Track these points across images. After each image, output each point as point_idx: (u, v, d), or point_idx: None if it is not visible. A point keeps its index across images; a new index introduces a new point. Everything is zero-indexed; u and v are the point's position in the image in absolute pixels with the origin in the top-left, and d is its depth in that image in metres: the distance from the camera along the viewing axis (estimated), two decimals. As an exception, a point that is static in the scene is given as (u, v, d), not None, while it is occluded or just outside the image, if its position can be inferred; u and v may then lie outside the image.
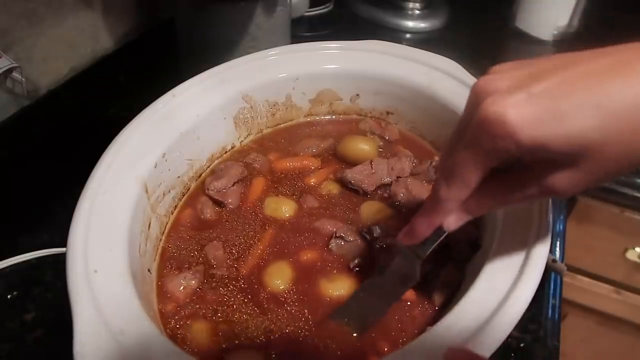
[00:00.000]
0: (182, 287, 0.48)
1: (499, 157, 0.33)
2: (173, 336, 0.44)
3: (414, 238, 0.42)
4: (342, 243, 0.51)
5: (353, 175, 0.56)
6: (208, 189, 0.56)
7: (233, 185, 0.56)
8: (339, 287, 0.48)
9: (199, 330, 0.45)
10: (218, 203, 0.56)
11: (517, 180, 0.36)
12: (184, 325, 0.45)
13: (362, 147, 0.60)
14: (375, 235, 0.50)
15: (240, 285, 0.48)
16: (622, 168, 0.32)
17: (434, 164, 0.58)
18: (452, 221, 0.39)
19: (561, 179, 0.33)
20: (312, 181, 0.58)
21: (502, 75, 0.33)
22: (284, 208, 0.55)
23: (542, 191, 0.34)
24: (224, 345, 0.44)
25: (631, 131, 0.30)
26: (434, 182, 0.40)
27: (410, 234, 0.42)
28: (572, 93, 0.31)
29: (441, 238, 0.43)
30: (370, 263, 0.50)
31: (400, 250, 0.46)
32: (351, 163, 0.59)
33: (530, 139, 0.30)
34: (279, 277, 0.49)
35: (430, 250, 0.44)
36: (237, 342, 0.44)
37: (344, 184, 0.57)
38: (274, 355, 0.43)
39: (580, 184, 0.33)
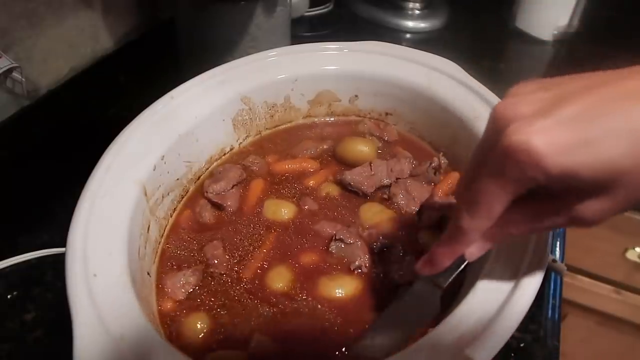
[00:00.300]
0: (180, 285, 0.48)
1: (526, 187, 0.32)
2: (170, 333, 0.45)
3: (434, 268, 0.41)
4: (342, 245, 0.51)
5: (352, 177, 0.56)
6: (207, 192, 0.56)
7: (232, 187, 0.56)
8: (339, 288, 0.48)
9: (196, 327, 0.45)
10: (217, 206, 0.56)
11: (544, 209, 0.34)
12: (181, 321, 0.45)
13: (361, 148, 0.60)
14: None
15: (240, 286, 0.49)
16: None
17: (433, 164, 0.58)
18: (474, 251, 0.38)
19: (590, 208, 0.32)
20: (311, 183, 0.58)
21: (524, 98, 0.32)
22: (283, 210, 0.55)
23: (571, 220, 0.33)
24: (219, 342, 0.44)
25: None
26: (455, 211, 0.38)
27: (430, 264, 0.41)
28: (600, 118, 0.29)
29: (461, 267, 0.42)
30: (371, 265, 0.50)
31: (419, 280, 0.44)
32: (350, 165, 0.59)
33: (559, 168, 0.29)
34: (279, 280, 0.49)
35: (450, 279, 0.42)
36: (231, 340, 0.44)
37: (343, 185, 0.57)
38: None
39: (610, 212, 0.32)
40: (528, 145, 0.30)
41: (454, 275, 0.42)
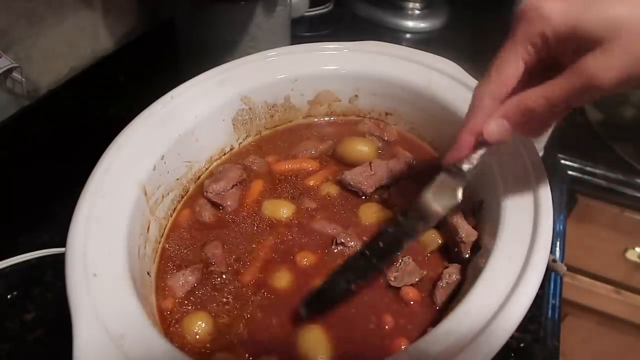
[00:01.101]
0: (180, 284, 0.48)
1: (535, 45, 0.36)
2: (170, 332, 0.45)
3: (459, 151, 0.42)
4: (344, 249, 0.51)
5: (352, 176, 0.56)
6: (207, 192, 0.56)
7: (232, 187, 0.56)
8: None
9: (196, 326, 0.45)
10: (216, 205, 0.56)
11: (557, 77, 0.36)
12: (181, 321, 0.45)
13: (361, 148, 0.60)
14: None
15: (239, 285, 0.49)
16: None
17: (429, 163, 0.57)
18: (493, 128, 0.39)
19: (597, 63, 0.34)
20: (311, 183, 0.58)
21: None
22: (282, 210, 0.55)
23: (582, 80, 0.35)
24: (218, 341, 0.44)
25: None
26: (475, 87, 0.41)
27: (455, 149, 0.42)
28: None
29: (484, 153, 0.41)
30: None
31: (445, 170, 0.44)
32: (350, 164, 0.59)
33: (563, 21, 0.35)
34: (279, 279, 0.49)
35: (475, 166, 0.42)
36: (230, 338, 0.44)
37: (343, 185, 0.57)
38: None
39: (616, 68, 0.34)
40: (539, 5, 0.35)
41: (477, 163, 0.42)
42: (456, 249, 0.49)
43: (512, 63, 0.38)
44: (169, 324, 0.45)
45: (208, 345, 0.44)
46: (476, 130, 0.40)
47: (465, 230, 0.49)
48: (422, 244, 0.51)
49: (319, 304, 0.45)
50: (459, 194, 0.43)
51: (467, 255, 0.49)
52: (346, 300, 0.46)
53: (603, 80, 0.34)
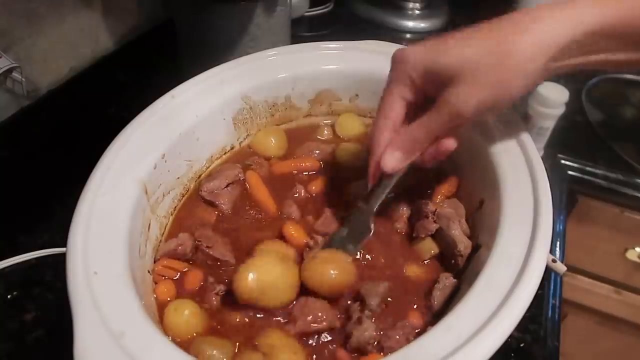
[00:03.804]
0: (175, 241, 0.50)
1: (406, 84, 0.44)
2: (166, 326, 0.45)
3: (368, 182, 0.49)
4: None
5: (356, 190, 0.56)
6: (201, 190, 0.56)
7: (226, 186, 0.56)
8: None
9: (189, 318, 0.45)
10: (211, 204, 0.56)
11: (430, 112, 0.43)
12: (174, 312, 0.45)
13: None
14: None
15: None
16: (499, 91, 0.41)
17: (433, 170, 0.57)
18: (387, 159, 0.46)
19: (454, 96, 0.41)
20: (311, 182, 0.58)
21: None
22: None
23: (447, 112, 0.42)
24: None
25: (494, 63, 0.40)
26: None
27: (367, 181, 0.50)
28: (458, 36, 0.42)
29: (387, 188, 0.49)
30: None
31: (356, 209, 0.51)
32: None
33: (422, 63, 0.43)
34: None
35: (378, 200, 0.49)
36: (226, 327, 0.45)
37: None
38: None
39: (470, 98, 0.41)
40: (403, 52, 0.44)
41: (381, 197, 0.49)
42: (453, 261, 0.49)
43: (394, 101, 0.46)
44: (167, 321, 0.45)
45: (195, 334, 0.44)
46: (374, 162, 0.47)
47: (463, 244, 0.49)
48: (418, 252, 0.51)
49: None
50: (371, 225, 0.50)
51: (462, 266, 0.49)
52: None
53: (463, 109, 0.41)
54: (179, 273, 0.50)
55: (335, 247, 0.49)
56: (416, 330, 0.44)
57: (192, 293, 0.48)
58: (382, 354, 0.43)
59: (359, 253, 0.51)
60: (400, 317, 0.46)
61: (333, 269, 0.46)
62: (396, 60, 0.45)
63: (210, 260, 0.50)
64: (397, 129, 0.46)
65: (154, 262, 0.50)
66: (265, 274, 0.44)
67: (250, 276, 0.43)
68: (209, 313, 0.46)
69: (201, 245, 0.50)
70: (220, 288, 0.47)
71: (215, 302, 0.47)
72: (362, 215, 0.50)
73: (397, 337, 0.43)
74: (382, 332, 0.44)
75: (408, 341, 0.43)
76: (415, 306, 0.47)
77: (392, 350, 0.42)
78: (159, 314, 0.45)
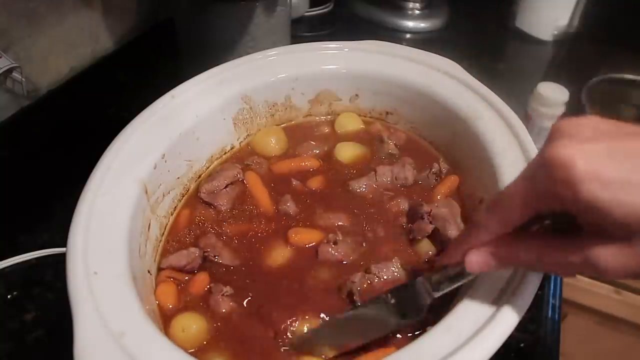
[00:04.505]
0: (184, 255, 0.49)
1: (550, 203, 0.31)
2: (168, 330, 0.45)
3: (443, 258, 0.41)
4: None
5: (358, 185, 0.56)
6: (200, 192, 0.56)
7: (225, 187, 0.56)
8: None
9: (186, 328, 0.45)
10: (209, 205, 0.56)
11: (559, 242, 0.32)
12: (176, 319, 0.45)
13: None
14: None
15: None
16: None
17: (433, 170, 0.57)
18: (474, 259, 0.37)
19: (609, 255, 0.30)
20: (311, 181, 0.58)
21: (588, 121, 0.31)
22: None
23: (584, 262, 0.31)
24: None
25: None
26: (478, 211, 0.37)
27: (441, 259, 0.41)
28: None
29: (460, 282, 0.40)
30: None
31: (414, 283, 0.43)
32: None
33: (591, 196, 0.28)
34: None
35: (445, 290, 0.41)
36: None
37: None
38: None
39: (627, 267, 0.30)
40: (570, 163, 0.28)
41: (450, 287, 0.41)
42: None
43: (521, 207, 0.33)
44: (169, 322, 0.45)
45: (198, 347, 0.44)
46: (461, 249, 0.38)
47: None
48: (417, 253, 0.51)
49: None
50: (424, 310, 0.42)
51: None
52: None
53: (605, 272, 0.30)
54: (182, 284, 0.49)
55: (376, 310, 0.44)
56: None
57: (197, 296, 0.48)
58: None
59: None
60: None
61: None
62: (555, 170, 0.29)
63: (218, 268, 0.50)
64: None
65: (159, 270, 0.49)
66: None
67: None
68: (215, 317, 0.46)
69: (210, 256, 0.50)
70: (227, 290, 0.47)
71: (222, 305, 0.46)
72: (420, 296, 0.42)
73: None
74: None
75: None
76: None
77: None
78: (162, 318, 0.45)
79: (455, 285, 0.40)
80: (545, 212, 0.32)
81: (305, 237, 0.52)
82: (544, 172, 0.30)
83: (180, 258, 0.49)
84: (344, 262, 0.50)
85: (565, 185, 0.29)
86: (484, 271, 0.37)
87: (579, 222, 0.31)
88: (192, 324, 0.44)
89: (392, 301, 0.44)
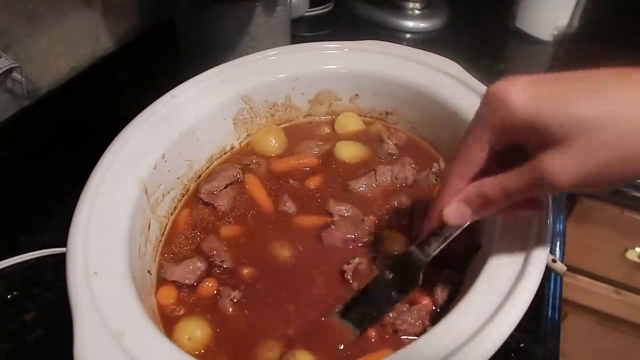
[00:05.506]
0: (190, 269, 0.49)
1: (497, 131, 0.36)
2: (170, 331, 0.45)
3: (424, 229, 0.44)
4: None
5: (358, 185, 0.56)
6: (199, 192, 0.56)
7: (225, 187, 0.56)
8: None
9: (190, 333, 0.45)
10: (209, 205, 0.56)
11: (518, 169, 0.36)
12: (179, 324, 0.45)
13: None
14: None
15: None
16: (614, 169, 0.32)
17: (433, 170, 0.57)
18: (449, 212, 0.40)
19: (552, 162, 0.33)
20: (311, 181, 0.58)
21: (519, 75, 0.36)
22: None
23: (536, 177, 0.34)
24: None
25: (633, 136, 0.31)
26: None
27: (422, 227, 0.44)
28: (577, 84, 0.33)
29: (447, 239, 0.43)
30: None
31: (407, 253, 0.45)
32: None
33: (524, 112, 0.33)
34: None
35: (435, 250, 0.43)
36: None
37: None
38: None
39: (571, 170, 0.32)
40: (504, 90, 0.34)
41: (439, 247, 0.43)
42: (452, 258, 0.49)
43: (477, 145, 0.38)
44: (169, 322, 0.45)
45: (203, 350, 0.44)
46: (439, 208, 0.41)
47: (463, 244, 0.49)
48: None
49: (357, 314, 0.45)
50: (419, 278, 0.44)
51: (463, 265, 0.49)
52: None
53: (556, 181, 0.33)
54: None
55: (378, 288, 0.46)
56: (429, 315, 0.45)
57: (204, 301, 0.47)
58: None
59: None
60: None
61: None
62: (493, 99, 0.35)
63: (224, 272, 0.50)
64: (473, 177, 0.39)
65: (162, 280, 0.49)
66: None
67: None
68: (222, 321, 0.46)
69: (215, 261, 0.50)
70: (235, 295, 0.47)
71: (229, 309, 0.46)
72: (414, 264, 0.44)
73: (411, 320, 0.44)
74: (395, 316, 0.45)
75: (424, 325, 0.44)
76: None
77: (406, 334, 0.43)
78: (162, 320, 0.45)
79: (443, 245, 0.43)
80: (497, 148, 0.37)
81: (308, 221, 0.53)
82: (486, 106, 0.36)
83: (186, 274, 0.48)
84: (350, 237, 0.51)
85: (503, 108, 0.34)
86: (462, 222, 0.41)
87: (526, 150, 0.35)
88: (196, 331, 0.44)
89: (390, 276, 0.46)
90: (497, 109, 0.35)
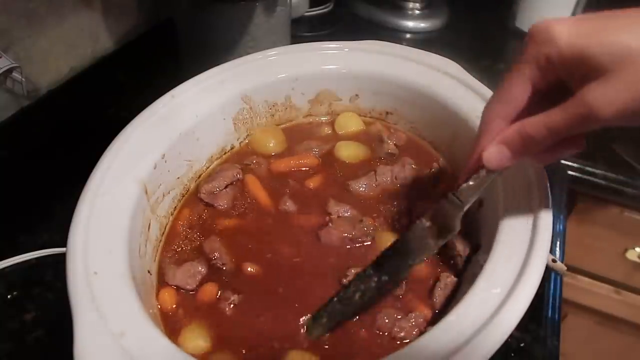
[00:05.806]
0: (191, 272, 0.48)
1: (541, 67, 0.35)
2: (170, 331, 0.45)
3: (465, 174, 0.43)
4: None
5: (358, 186, 0.56)
6: (199, 192, 0.56)
7: (225, 187, 0.56)
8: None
9: (196, 337, 0.45)
10: (209, 205, 0.56)
11: (559, 105, 0.35)
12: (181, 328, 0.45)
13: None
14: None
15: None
16: None
17: (433, 170, 0.57)
18: (489, 155, 0.39)
19: (597, 94, 0.32)
20: (311, 180, 0.58)
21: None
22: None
23: (581, 111, 0.33)
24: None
25: None
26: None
27: (464, 172, 0.43)
28: (621, 19, 0.33)
29: (484, 183, 0.42)
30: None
31: (443, 200, 0.45)
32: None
33: (569, 45, 0.33)
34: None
35: (473, 197, 0.43)
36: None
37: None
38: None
39: (616, 102, 0.32)
40: (548, 27, 0.34)
41: (476, 193, 0.42)
42: (452, 261, 0.49)
43: (519, 83, 0.37)
44: (170, 323, 0.45)
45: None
46: (479, 149, 0.40)
47: (461, 244, 0.49)
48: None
49: (329, 319, 0.45)
50: (457, 223, 0.44)
51: (461, 266, 0.49)
52: (356, 316, 0.46)
53: (602, 113, 0.33)
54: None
55: (415, 236, 0.46)
56: (427, 322, 0.45)
57: (205, 304, 0.47)
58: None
59: None
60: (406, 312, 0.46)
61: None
62: (538, 36, 0.35)
63: (224, 274, 0.50)
64: (514, 118, 0.38)
65: (163, 283, 0.49)
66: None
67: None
68: (224, 324, 0.46)
69: (217, 264, 0.50)
70: (235, 298, 0.47)
71: (229, 312, 0.46)
72: (452, 210, 0.44)
73: (409, 327, 0.44)
74: (392, 323, 0.45)
75: (420, 332, 0.44)
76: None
77: (403, 340, 0.43)
78: (164, 321, 0.46)
79: (481, 190, 0.42)
80: (539, 86, 0.36)
81: (308, 221, 0.53)
82: (531, 43, 0.36)
83: (187, 278, 0.48)
84: (347, 236, 0.51)
85: (548, 44, 0.34)
86: (503, 164, 0.39)
87: (569, 85, 0.35)
88: (199, 338, 0.44)
89: (428, 224, 0.46)
90: (543, 44, 0.35)
